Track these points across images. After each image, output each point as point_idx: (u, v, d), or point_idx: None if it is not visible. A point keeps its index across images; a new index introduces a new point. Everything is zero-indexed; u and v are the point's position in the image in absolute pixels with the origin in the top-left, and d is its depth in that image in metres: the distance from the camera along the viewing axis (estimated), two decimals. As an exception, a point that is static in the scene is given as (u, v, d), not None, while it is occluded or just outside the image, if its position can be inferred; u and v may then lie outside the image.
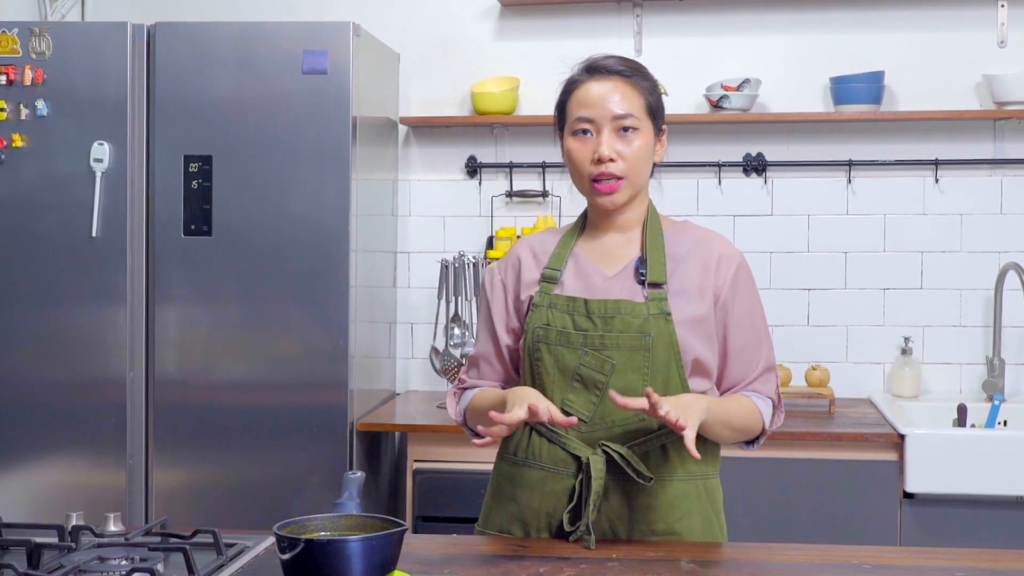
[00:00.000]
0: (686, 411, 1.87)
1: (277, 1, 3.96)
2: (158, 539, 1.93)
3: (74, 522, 1.96)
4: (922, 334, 3.76)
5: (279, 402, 3.32)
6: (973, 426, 3.51)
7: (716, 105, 3.72)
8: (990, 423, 3.52)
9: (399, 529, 1.71)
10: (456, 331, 3.69)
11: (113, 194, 3.31)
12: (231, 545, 1.92)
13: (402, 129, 3.95)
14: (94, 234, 3.30)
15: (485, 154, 3.93)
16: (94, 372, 3.33)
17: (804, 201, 3.80)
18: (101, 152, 3.30)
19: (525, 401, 1.91)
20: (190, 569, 1.75)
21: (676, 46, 3.82)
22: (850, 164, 3.75)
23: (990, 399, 3.59)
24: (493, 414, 1.88)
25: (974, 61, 3.71)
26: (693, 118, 3.73)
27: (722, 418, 2.00)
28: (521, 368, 2.11)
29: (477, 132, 3.93)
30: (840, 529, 3.14)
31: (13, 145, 3.32)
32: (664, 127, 2.11)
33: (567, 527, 2.00)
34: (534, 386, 2.05)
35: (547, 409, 1.91)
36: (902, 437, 3.16)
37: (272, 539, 1.92)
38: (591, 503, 1.96)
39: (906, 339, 3.72)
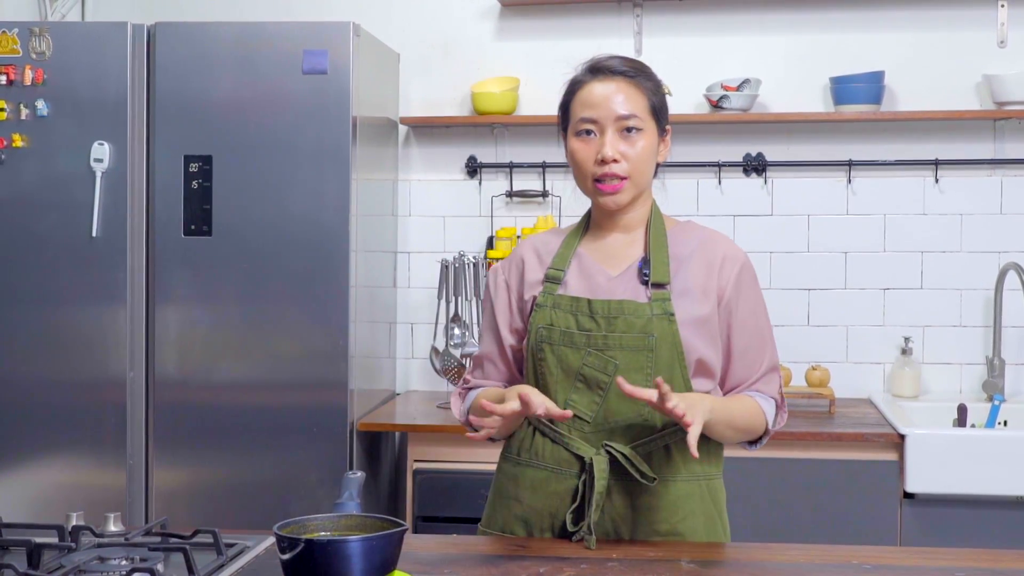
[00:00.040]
0: (692, 409, 1.88)
1: (277, 1, 3.96)
2: (158, 539, 1.93)
3: (74, 522, 1.96)
4: (922, 334, 3.76)
5: (279, 402, 3.32)
6: (973, 426, 3.51)
7: (716, 105, 3.72)
8: (990, 423, 3.52)
9: (399, 529, 1.71)
10: (456, 331, 3.69)
11: (113, 194, 3.31)
12: (231, 545, 1.92)
13: (402, 129, 3.95)
14: (94, 234, 3.30)
15: (485, 154, 3.93)
16: (94, 372, 3.33)
17: (804, 201, 3.80)
18: (101, 152, 3.30)
19: (528, 397, 1.91)
20: (190, 569, 1.75)
21: (676, 46, 3.82)
22: (850, 164, 3.75)
23: (990, 399, 3.59)
24: (484, 403, 1.90)
25: (974, 61, 3.71)
26: (693, 118, 3.73)
27: (726, 418, 2.00)
28: (525, 368, 2.11)
29: (477, 132, 3.93)
30: (840, 529, 3.14)
31: (13, 145, 3.32)
32: (668, 127, 2.11)
33: (570, 527, 2.00)
34: (537, 386, 2.05)
35: (542, 403, 1.92)
36: (902, 437, 3.16)
37: (272, 539, 1.92)
38: (594, 503, 1.96)
39: (906, 339, 3.72)
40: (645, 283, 2.04)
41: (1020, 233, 3.72)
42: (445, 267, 3.70)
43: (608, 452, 1.99)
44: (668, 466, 2.02)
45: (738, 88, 3.70)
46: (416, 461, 3.37)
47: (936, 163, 3.72)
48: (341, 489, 1.92)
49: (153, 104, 3.33)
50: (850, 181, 3.78)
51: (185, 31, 3.34)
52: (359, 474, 1.97)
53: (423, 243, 3.95)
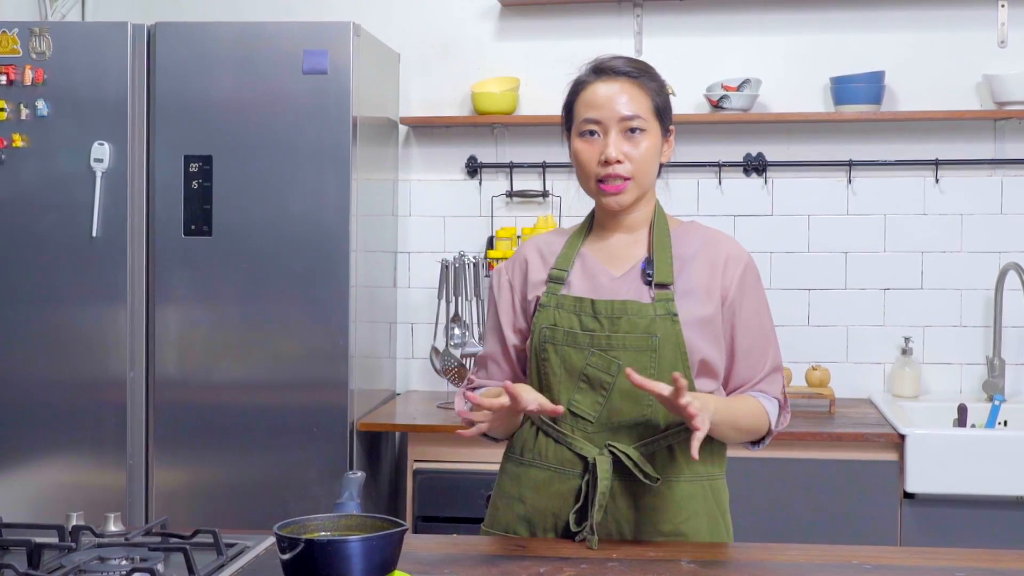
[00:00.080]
0: (702, 412, 1.87)
1: (277, 1, 3.96)
2: (158, 539, 1.93)
3: (74, 522, 1.96)
4: (922, 334, 3.76)
5: (279, 402, 3.32)
6: (973, 426, 3.51)
7: (716, 105, 3.72)
8: (990, 423, 3.52)
9: (399, 529, 1.71)
10: (456, 331, 3.69)
11: (113, 194, 3.31)
12: (231, 545, 1.92)
13: (402, 129, 3.95)
14: (94, 234, 3.30)
15: (485, 154, 3.93)
16: (94, 372, 3.33)
17: (804, 201, 3.80)
18: (101, 152, 3.30)
19: (515, 391, 1.90)
20: (190, 569, 1.75)
21: (676, 46, 3.82)
22: (850, 164, 3.75)
23: (990, 399, 3.59)
24: (469, 394, 1.89)
25: (974, 61, 3.71)
26: (693, 118, 3.73)
27: (729, 419, 2.00)
28: (528, 368, 2.11)
29: (477, 132, 3.93)
30: (840, 529, 3.14)
31: (13, 145, 3.32)
32: (672, 127, 2.11)
33: (573, 528, 2.00)
34: (540, 386, 2.06)
35: (535, 399, 1.92)
36: (902, 437, 3.16)
37: (272, 539, 1.92)
38: (597, 503, 1.96)
39: (906, 339, 3.72)
40: (648, 283, 2.04)
41: (1020, 233, 3.71)
42: (445, 267, 3.70)
43: (611, 452, 1.99)
44: (671, 466, 2.02)
45: (738, 88, 3.70)
46: (416, 461, 3.37)
47: (936, 163, 3.72)
48: (341, 489, 1.92)
49: (153, 104, 3.33)
50: (850, 181, 3.78)
51: (185, 31, 3.34)
52: (359, 474, 1.97)
53: (423, 243, 3.95)
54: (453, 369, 3.61)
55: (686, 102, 3.78)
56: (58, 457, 3.34)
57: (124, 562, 1.76)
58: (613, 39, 3.81)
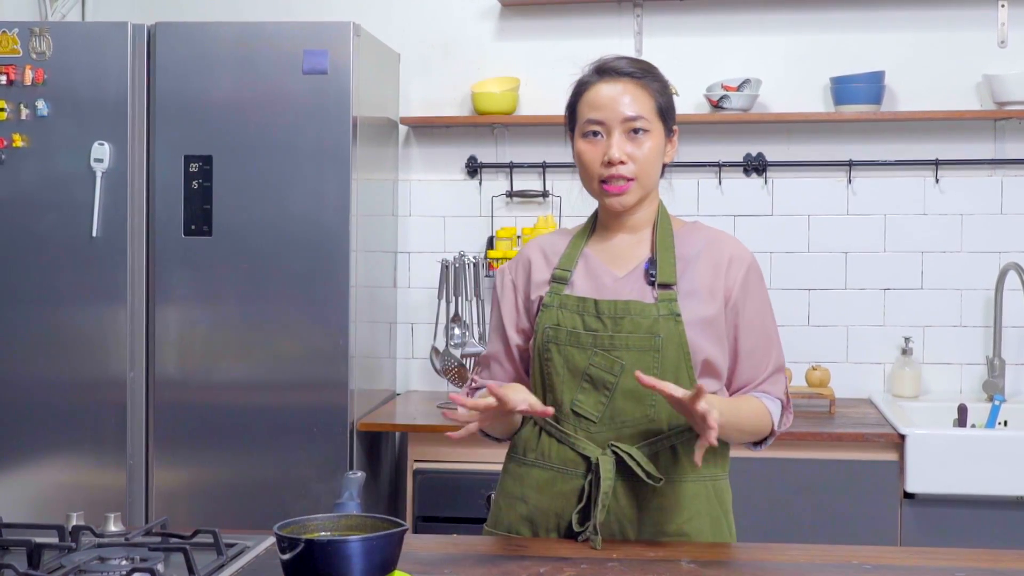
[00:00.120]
0: (717, 422, 1.84)
1: (277, 1, 3.96)
2: (158, 539, 1.93)
3: (74, 522, 1.96)
4: (922, 334, 3.76)
5: (279, 402, 3.32)
6: (973, 426, 3.51)
7: (716, 105, 3.72)
8: (990, 423, 3.52)
9: (399, 529, 1.71)
10: (456, 331, 3.69)
11: (113, 194, 3.31)
12: (231, 545, 1.92)
13: (402, 129, 3.95)
14: (94, 234, 3.30)
15: (485, 154, 3.93)
16: (94, 372, 3.33)
17: (804, 201, 3.80)
18: (101, 152, 3.30)
19: (500, 393, 1.89)
20: (190, 569, 1.75)
21: (676, 46, 3.82)
22: (850, 164, 3.75)
23: (990, 399, 3.59)
24: (452, 395, 1.89)
25: (974, 61, 3.71)
26: (693, 118, 3.73)
27: (733, 420, 1.99)
28: (531, 368, 2.11)
29: (477, 132, 3.93)
30: (840, 529, 3.14)
31: (13, 145, 3.32)
32: (675, 128, 2.11)
33: (576, 527, 2.00)
34: (543, 386, 2.06)
35: (524, 399, 1.92)
36: (902, 437, 3.16)
37: (272, 539, 1.92)
38: (600, 503, 1.96)
39: (906, 339, 3.72)
40: (651, 283, 2.04)
41: (1020, 233, 3.71)
42: (445, 267, 3.70)
43: (614, 452, 1.99)
44: (674, 466, 2.02)
45: (738, 88, 3.70)
46: (416, 461, 3.37)
47: (936, 163, 3.72)
48: (341, 489, 1.92)
49: (153, 104, 3.32)
50: (850, 181, 3.78)
51: (185, 31, 3.33)
52: (359, 474, 1.97)
53: (423, 243, 3.95)
54: (453, 369, 3.61)
55: (686, 102, 3.78)
56: (58, 457, 3.34)
57: (124, 562, 1.76)
58: (613, 39, 3.81)
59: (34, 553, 1.82)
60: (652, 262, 2.06)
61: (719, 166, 3.80)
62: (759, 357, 2.08)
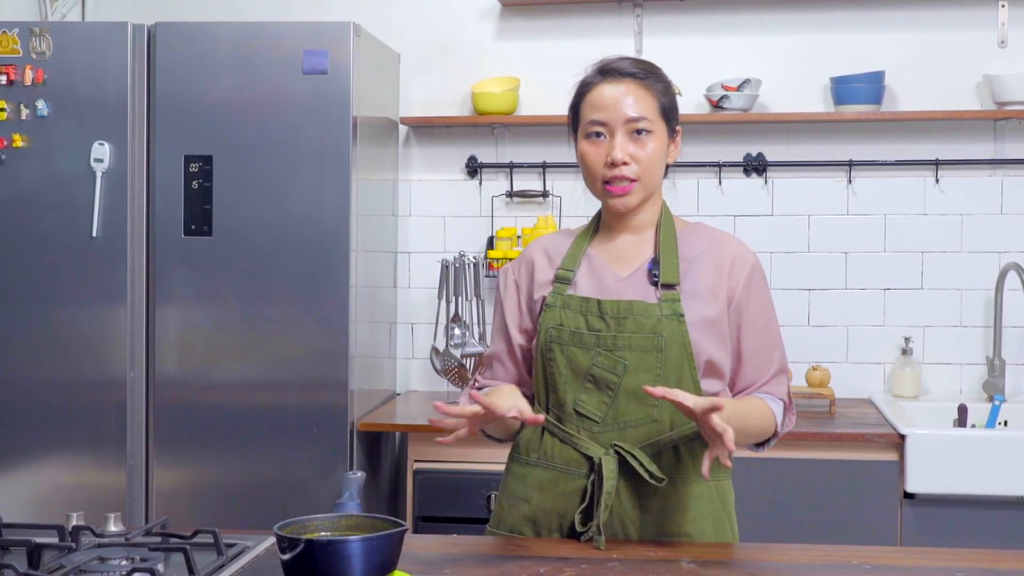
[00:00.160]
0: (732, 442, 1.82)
1: (277, 1, 3.96)
2: (158, 539, 1.93)
3: (74, 522, 1.96)
4: (922, 334, 3.76)
5: (279, 402, 3.32)
6: (973, 426, 3.51)
7: (716, 105, 3.72)
8: (990, 423, 3.52)
9: (399, 529, 1.71)
10: (456, 331, 3.69)
11: (113, 194, 3.31)
12: (231, 545, 1.92)
13: (402, 129, 3.95)
14: (94, 234, 3.30)
15: (485, 154, 3.93)
16: (94, 372, 3.33)
17: (804, 201, 3.80)
18: (101, 152, 3.30)
19: (485, 401, 1.88)
20: (190, 569, 1.75)
21: (676, 46, 3.82)
22: (850, 164, 3.75)
23: (990, 399, 3.59)
24: (438, 404, 1.89)
25: (974, 61, 3.71)
26: (693, 118, 3.73)
27: (738, 423, 1.98)
28: (534, 368, 2.11)
29: (477, 132, 3.93)
30: (840, 529, 3.14)
31: (13, 145, 3.32)
32: (678, 128, 2.11)
33: (579, 527, 2.00)
34: (546, 386, 2.06)
35: (513, 406, 1.90)
36: (902, 437, 3.16)
37: (272, 539, 1.92)
38: (602, 503, 1.96)
39: (906, 339, 3.71)
40: (655, 284, 2.04)
41: (1020, 233, 3.71)
42: (445, 267, 3.70)
43: (617, 452, 2.00)
44: (677, 467, 2.02)
45: (738, 88, 3.70)
46: (416, 461, 3.37)
47: (936, 163, 3.72)
48: (341, 489, 1.93)
49: (153, 104, 3.32)
50: (850, 181, 3.78)
51: (185, 31, 3.33)
52: (359, 474, 1.97)
53: (423, 243, 3.95)
54: (453, 369, 3.61)
55: (686, 102, 3.77)
56: (58, 457, 3.34)
57: (124, 562, 1.76)
58: (613, 39, 3.81)
59: (34, 553, 1.82)
60: (655, 262, 2.06)
61: (719, 166, 3.80)
62: (762, 358, 2.08)
